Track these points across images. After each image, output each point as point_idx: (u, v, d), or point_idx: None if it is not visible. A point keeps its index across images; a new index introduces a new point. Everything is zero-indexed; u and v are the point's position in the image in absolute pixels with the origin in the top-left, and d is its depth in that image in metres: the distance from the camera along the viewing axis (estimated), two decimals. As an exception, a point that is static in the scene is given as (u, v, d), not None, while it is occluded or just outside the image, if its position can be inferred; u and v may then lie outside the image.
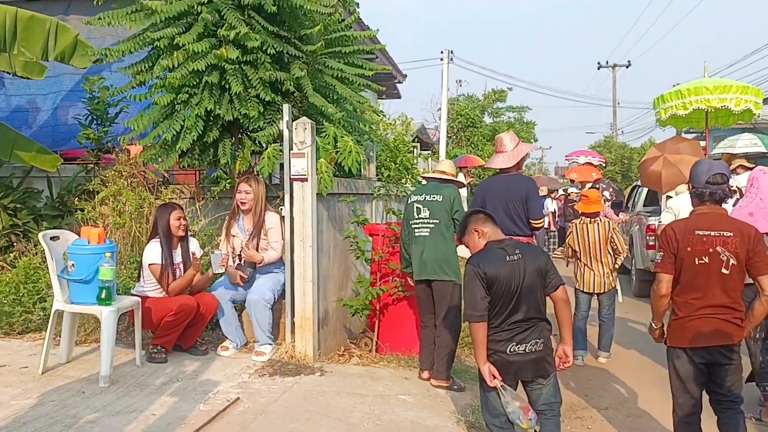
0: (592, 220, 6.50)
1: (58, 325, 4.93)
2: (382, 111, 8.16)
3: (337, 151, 5.61)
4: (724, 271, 3.58)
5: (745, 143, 12.64)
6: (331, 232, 5.87)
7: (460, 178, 18.38)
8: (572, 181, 15.04)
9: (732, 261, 3.57)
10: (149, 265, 5.17)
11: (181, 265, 5.30)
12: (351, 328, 6.37)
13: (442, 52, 21.66)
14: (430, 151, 15.29)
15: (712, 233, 3.60)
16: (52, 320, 4.71)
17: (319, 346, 5.49)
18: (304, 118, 5.39)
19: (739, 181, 8.59)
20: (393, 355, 5.82)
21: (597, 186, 12.31)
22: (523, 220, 5.49)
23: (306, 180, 5.31)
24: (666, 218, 7.01)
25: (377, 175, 8.02)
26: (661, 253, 3.70)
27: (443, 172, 5.50)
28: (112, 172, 6.56)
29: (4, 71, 6.90)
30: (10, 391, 4.40)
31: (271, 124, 5.71)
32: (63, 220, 6.96)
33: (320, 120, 5.88)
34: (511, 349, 3.41)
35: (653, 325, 3.87)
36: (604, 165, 21.87)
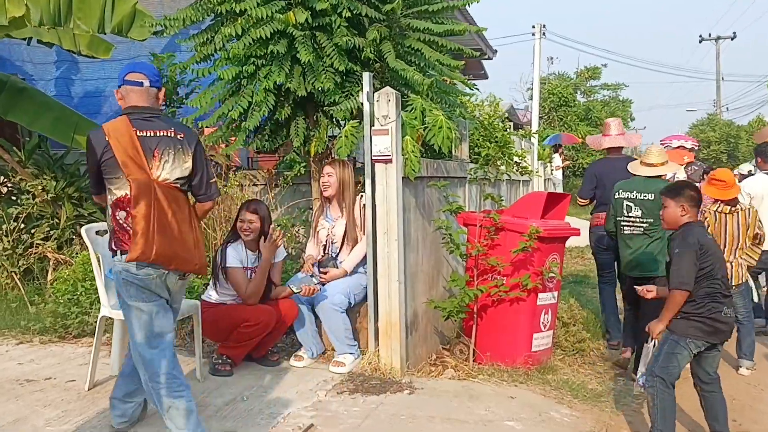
0: (732, 208, 5.38)
1: (108, 332, 4.34)
2: (475, 84, 7.22)
3: (425, 128, 4.77)
4: None
5: None
6: (419, 221, 5.05)
7: (557, 160, 17.19)
8: None
9: None
10: (225, 268, 4.47)
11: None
12: (443, 331, 5.54)
13: (533, 27, 20.29)
14: (522, 130, 14.22)
15: None
16: (99, 327, 4.10)
17: (408, 356, 4.69)
18: (388, 88, 4.57)
19: None
20: (494, 366, 4.97)
21: (689, 169, 12.02)
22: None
23: (390, 161, 4.50)
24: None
25: (470, 156, 7.12)
26: None
27: (653, 165, 5.19)
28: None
29: (70, 50, 6.43)
30: (48, 413, 3.81)
31: (349, 98, 4.93)
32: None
33: (404, 92, 5.05)
34: (725, 312, 3.72)
35: None
36: (697, 148, 21.49)
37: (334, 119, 5.27)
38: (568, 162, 19.04)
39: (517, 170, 8.52)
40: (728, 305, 3.74)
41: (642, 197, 5.08)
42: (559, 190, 17.83)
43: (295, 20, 4.60)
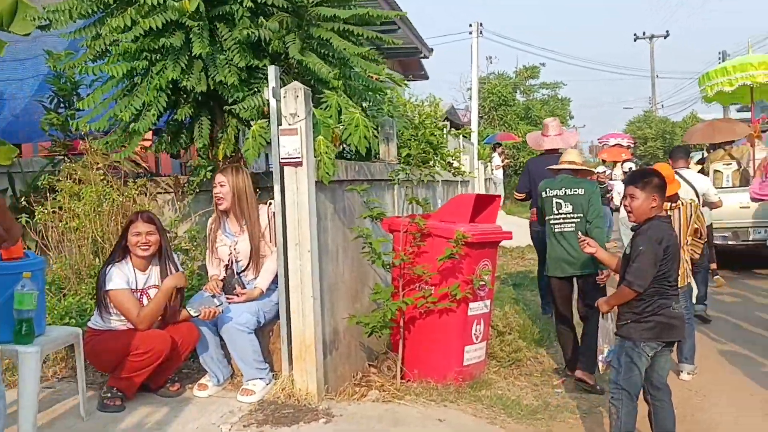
0: (673, 204, 5.13)
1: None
2: (405, 80, 6.83)
3: (342, 127, 4.35)
4: None
5: None
6: (339, 229, 4.62)
7: (496, 159, 17.06)
8: (603, 161, 16.19)
9: None
10: (108, 291, 3.93)
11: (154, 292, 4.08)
12: (371, 347, 5.12)
13: (470, 25, 20.17)
14: (461, 130, 13.96)
15: None
16: None
17: (327, 379, 4.25)
18: (296, 83, 4.13)
19: None
20: (423, 384, 4.58)
21: (625, 165, 13.90)
22: None
23: (300, 164, 4.05)
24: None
25: (399, 157, 6.73)
26: None
27: (573, 162, 5.16)
28: (82, 164, 5.38)
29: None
30: None
31: (256, 95, 4.46)
32: (30, 221, 5.81)
33: (319, 88, 4.62)
34: (674, 308, 3.58)
35: None
36: (633, 145, 22.58)
37: (244, 119, 4.79)
38: (508, 161, 18.89)
39: (450, 171, 8.19)
40: (676, 300, 3.63)
41: (572, 193, 4.98)
42: (500, 189, 17.67)
43: (188, 8, 4.11)
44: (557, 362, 5.44)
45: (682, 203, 5.16)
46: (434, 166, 7.99)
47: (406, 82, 6.85)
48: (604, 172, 15.11)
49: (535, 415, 4.30)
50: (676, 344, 5.29)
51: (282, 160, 4.07)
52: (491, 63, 32.78)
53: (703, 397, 4.90)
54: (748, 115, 11.35)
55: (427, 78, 26.94)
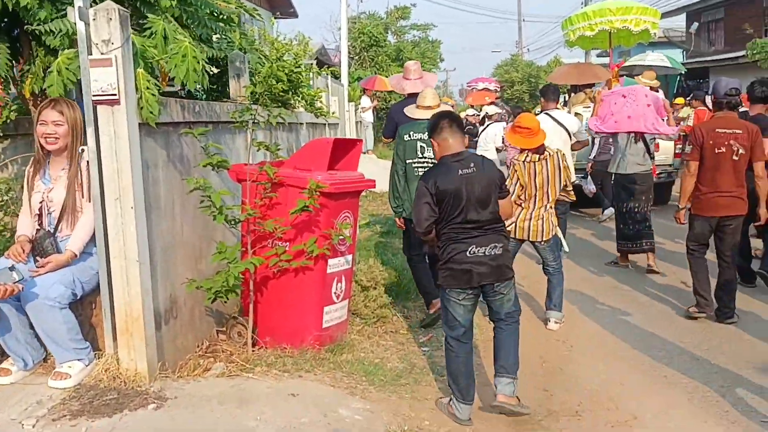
0: (540, 156, 4.93)
1: None
2: (257, 11, 6.11)
3: (167, 58, 3.65)
4: (734, 158, 5.06)
5: (653, 58, 14.27)
6: (175, 180, 3.95)
7: (365, 101, 16.59)
8: (472, 105, 16.47)
9: (741, 151, 5.06)
10: None
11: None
12: (220, 310, 4.55)
13: (338, -40, 19.21)
14: (326, 67, 13.29)
15: (728, 131, 5.09)
16: None
17: (163, 354, 3.66)
18: (109, 2, 3.36)
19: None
20: (278, 351, 4.10)
21: (491, 108, 12.79)
22: None
23: (117, 102, 3.33)
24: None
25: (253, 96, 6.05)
26: (690, 146, 5.21)
27: (430, 108, 5.07)
28: None
29: None
30: None
31: (66, 18, 3.65)
32: None
33: (145, 12, 3.87)
34: (471, 252, 3.60)
35: (679, 206, 5.41)
36: (500, 89, 23.32)
37: (53, 48, 3.95)
38: (377, 102, 18.44)
39: (312, 112, 7.61)
40: (478, 244, 3.60)
41: None
42: (370, 132, 17.27)
43: None
44: (426, 314, 5.15)
45: (549, 153, 4.96)
46: (295, 107, 7.41)
47: (258, 12, 6.15)
48: (475, 114, 15.23)
49: (399, 380, 3.96)
50: (546, 294, 5.20)
51: (94, 98, 3.33)
52: (361, 2, 31.96)
53: (571, 348, 4.77)
54: (608, 60, 11.60)
55: (296, 16, 25.83)
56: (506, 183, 3.84)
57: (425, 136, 4.74)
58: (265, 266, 4.09)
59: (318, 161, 4.20)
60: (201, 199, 3.83)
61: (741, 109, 5.96)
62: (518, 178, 4.96)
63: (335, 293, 4.38)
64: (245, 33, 6.34)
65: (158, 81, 3.74)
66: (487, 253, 3.60)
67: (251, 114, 4.06)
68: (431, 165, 4.78)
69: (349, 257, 4.49)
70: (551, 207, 5.04)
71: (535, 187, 4.95)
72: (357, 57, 25.17)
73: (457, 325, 3.67)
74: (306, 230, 4.15)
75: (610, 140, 8.53)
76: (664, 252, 7.53)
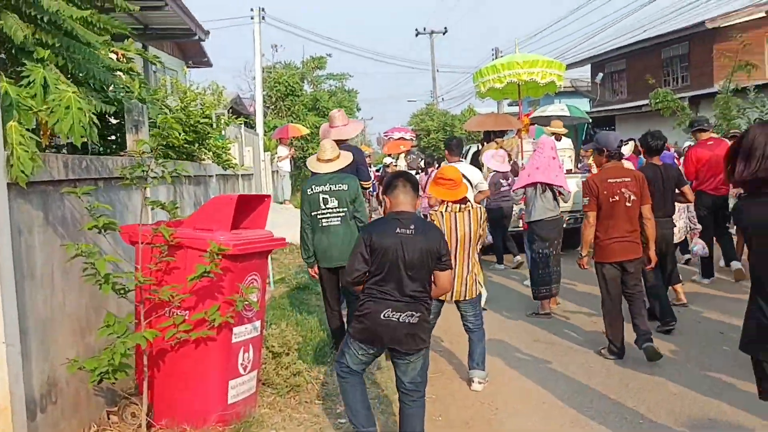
0: (462, 206, 4.76)
1: None
2: (157, 57, 5.76)
3: (48, 110, 3.26)
4: (627, 204, 5.32)
5: (554, 108, 14.52)
6: (55, 246, 3.51)
7: (281, 150, 16.37)
8: (389, 154, 17.10)
9: (633, 197, 5.32)
10: None
11: None
12: (112, 388, 4.06)
13: (252, 10, 19.11)
14: (240, 117, 12.94)
15: (618, 180, 5.36)
16: None
17: (36, 448, 3.17)
18: (-27, 47, 2.98)
19: (561, 144, 10.47)
20: (177, 433, 3.66)
21: (408, 157, 14.08)
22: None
23: (-20, 160, 2.92)
24: None
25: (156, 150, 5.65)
26: (587, 197, 5.40)
27: (330, 160, 5.33)
28: None
29: None
30: None
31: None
32: None
33: (19, 59, 3.48)
34: (386, 315, 3.51)
35: (581, 253, 5.59)
36: (415, 138, 23.95)
37: None
38: (294, 151, 18.16)
39: (220, 163, 7.26)
40: (395, 309, 3.51)
41: (337, 188, 5.25)
42: (287, 182, 16.93)
43: None
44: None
45: (471, 206, 4.80)
46: (203, 159, 7.04)
47: (159, 59, 5.81)
48: (392, 163, 15.25)
49: (312, 461, 3.58)
50: (468, 353, 4.96)
51: (-48, 156, 2.91)
52: (276, 51, 31.85)
53: (496, 411, 4.52)
54: (518, 109, 11.93)
55: (210, 65, 25.43)
56: (449, 255, 3.71)
57: (326, 187, 5.24)
58: (161, 339, 3.67)
59: (221, 220, 3.85)
60: (85, 266, 3.40)
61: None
62: None
63: (242, 364, 3.99)
64: (146, 82, 5.98)
65: (39, 135, 3.34)
66: (401, 320, 3.52)
67: (143, 169, 3.68)
68: (336, 215, 5.23)
69: (257, 323, 4.12)
70: (474, 263, 4.84)
71: (456, 240, 4.74)
72: (273, 106, 24.95)
73: (348, 366, 3.71)
74: (208, 297, 3.77)
75: (503, 189, 8.94)
76: (574, 294, 7.58)
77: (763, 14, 17.95)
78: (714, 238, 7.92)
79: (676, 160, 9.10)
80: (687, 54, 20.21)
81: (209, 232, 3.76)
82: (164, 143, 3.70)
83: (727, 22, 17.81)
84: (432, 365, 4.91)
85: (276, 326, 5.02)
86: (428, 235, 3.60)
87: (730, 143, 6.01)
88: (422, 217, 4.42)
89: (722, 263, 8.14)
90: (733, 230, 7.99)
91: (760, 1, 18.50)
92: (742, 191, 3.01)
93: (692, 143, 8.47)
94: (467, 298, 4.82)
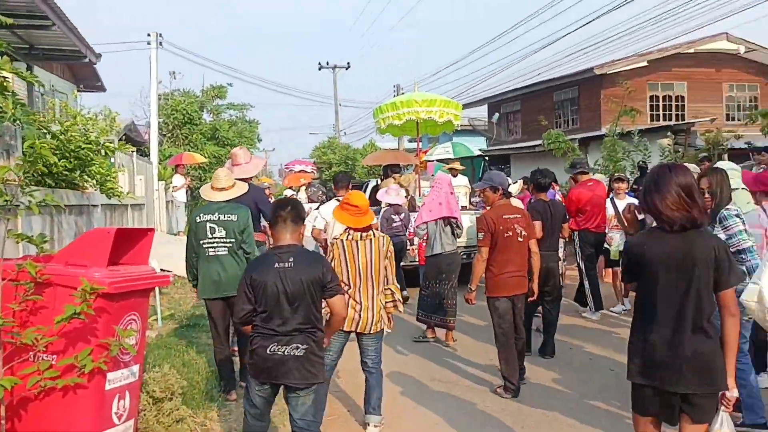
0: (365, 234, 4.61)
1: None
2: (36, 77, 5.34)
3: None
4: (519, 239, 5.52)
5: (440, 151, 15.38)
6: None
7: (177, 179, 15.82)
8: (290, 187, 17.42)
9: (524, 233, 5.55)
10: None
11: None
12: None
13: (149, 35, 18.49)
14: (137, 146, 12.35)
15: (511, 216, 5.55)
16: None
17: None
18: None
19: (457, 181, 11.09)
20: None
21: (309, 190, 14.18)
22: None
23: None
24: (319, 223, 7.31)
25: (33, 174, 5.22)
26: (483, 233, 5.48)
27: (224, 189, 5.31)
28: None
29: None
30: None
31: None
32: None
33: None
34: (272, 349, 3.52)
35: (470, 288, 5.56)
36: (316, 171, 24.21)
37: None
38: (190, 181, 17.56)
39: (105, 192, 6.82)
40: (280, 342, 3.53)
41: (225, 218, 5.20)
42: (182, 212, 16.30)
43: None
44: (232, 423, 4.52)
45: (374, 235, 4.65)
46: (85, 187, 6.61)
47: (35, 75, 5.40)
48: (292, 195, 15.06)
49: None
50: (364, 394, 4.79)
51: None
52: (175, 78, 31.01)
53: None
54: (419, 146, 12.15)
55: (104, 90, 24.41)
56: (335, 281, 3.71)
57: (215, 216, 5.19)
58: (21, 388, 3.29)
59: (96, 255, 3.54)
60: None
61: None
62: (336, 259, 4.58)
63: (116, 413, 3.65)
64: (23, 103, 5.53)
65: None
66: (287, 353, 3.53)
67: (5, 199, 3.33)
68: (223, 244, 5.18)
69: (135, 368, 3.80)
70: (381, 294, 4.69)
71: (357, 269, 4.57)
72: (170, 134, 24.17)
73: (253, 407, 3.71)
74: (79, 340, 3.44)
75: (395, 225, 8.95)
76: (467, 326, 7.69)
77: (645, 63, 19.12)
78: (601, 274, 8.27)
79: (560, 197, 9.47)
80: (577, 98, 21.24)
81: (83, 268, 3.45)
82: (33, 170, 3.35)
83: (613, 69, 18.86)
84: (328, 407, 4.71)
85: (159, 369, 4.68)
86: (310, 265, 3.61)
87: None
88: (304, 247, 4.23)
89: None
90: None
91: (642, 51, 19.76)
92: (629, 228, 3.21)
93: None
94: (371, 332, 4.65)
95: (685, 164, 3.99)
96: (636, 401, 3.03)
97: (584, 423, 4.79)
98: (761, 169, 9.45)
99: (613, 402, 5.13)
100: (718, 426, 2.95)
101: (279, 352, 3.53)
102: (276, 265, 3.55)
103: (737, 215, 4.34)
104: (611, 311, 8.41)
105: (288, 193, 16.73)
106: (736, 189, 4.68)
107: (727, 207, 4.39)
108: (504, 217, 5.50)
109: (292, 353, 3.53)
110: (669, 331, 2.89)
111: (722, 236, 4.23)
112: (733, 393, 2.94)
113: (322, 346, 3.75)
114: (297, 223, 3.70)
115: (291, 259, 3.56)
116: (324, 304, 3.78)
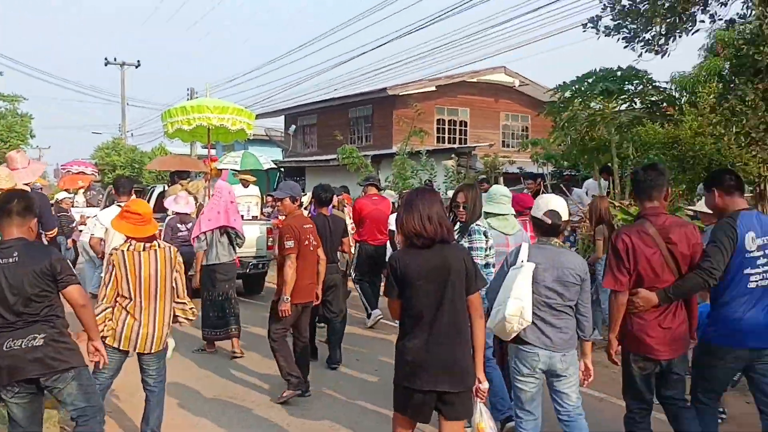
0: (149, 244, 4.24)
1: None
2: None
3: None
4: (311, 249, 5.71)
5: (229, 160, 14.79)
6: None
7: None
8: (67, 190, 15.85)
9: (314, 242, 5.74)
10: None
11: None
12: None
13: None
14: None
15: (307, 226, 5.73)
16: None
17: None
18: None
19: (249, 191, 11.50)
20: None
21: (88, 193, 14.29)
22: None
23: None
24: (98, 231, 6.78)
25: None
26: (291, 241, 5.51)
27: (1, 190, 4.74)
28: None
29: None
30: None
31: None
32: None
33: None
34: (7, 346, 3.35)
35: (285, 297, 5.43)
36: (97, 173, 22.45)
37: None
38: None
39: None
40: (15, 337, 3.36)
41: None
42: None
43: None
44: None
45: (159, 245, 4.30)
46: None
47: None
48: (65, 199, 13.79)
49: None
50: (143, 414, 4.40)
51: None
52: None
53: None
54: (212, 152, 11.78)
55: None
56: (67, 272, 3.50)
57: None
58: None
59: None
60: None
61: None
62: (117, 270, 4.17)
63: None
64: None
65: None
66: (23, 346, 3.36)
67: None
68: None
69: None
70: (166, 309, 4.33)
71: (140, 282, 4.18)
72: None
73: (16, 426, 3.49)
74: None
75: (181, 234, 8.50)
76: (252, 337, 7.61)
77: (434, 88, 20.33)
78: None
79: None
80: (371, 116, 21.97)
81: None
82: None
83: (405, 91, 19.81)
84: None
85: None
86: (35, 258, 3.43)
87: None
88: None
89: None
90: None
91: (432, 77, 20.99)
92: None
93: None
94: (153, 351, 4.29)
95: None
96: (396, 401, 3.29)
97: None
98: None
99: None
100: (479, 416, 3.31)
101: (16, 347, 3.35)
102: (1, 261, 3.37)
103: (484, 233, 4.66)
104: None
105: (60, 196, 15.34)
106: (507, 214, 4.99)
107: (477, 222, 4.70)
108: (304, 226, 5.64)
109: (29, 345, 3.37)
110: (426, 336, 3.20)
111: (466, 245, 4.51)
112: (484, 385, 3.30)
113: (66, 333, 3.55)
114: (24, 216, 3.52)
115: (15, 254, 3.39)
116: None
